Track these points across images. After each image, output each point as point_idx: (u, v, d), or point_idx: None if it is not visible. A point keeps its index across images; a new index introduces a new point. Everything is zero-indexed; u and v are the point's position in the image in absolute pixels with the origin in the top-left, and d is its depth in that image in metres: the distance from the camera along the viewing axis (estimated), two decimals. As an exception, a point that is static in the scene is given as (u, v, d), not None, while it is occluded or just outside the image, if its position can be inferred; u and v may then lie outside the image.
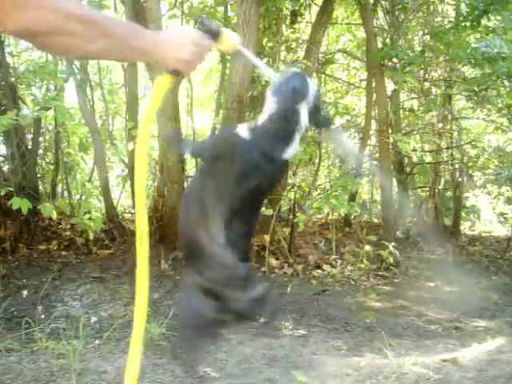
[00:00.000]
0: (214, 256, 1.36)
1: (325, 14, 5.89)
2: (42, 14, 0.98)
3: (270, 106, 1.40)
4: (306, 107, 1.39)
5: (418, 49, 6.25)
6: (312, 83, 1.44)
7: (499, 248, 6.91)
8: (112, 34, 1.10)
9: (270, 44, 6.31)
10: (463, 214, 8.24)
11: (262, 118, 1.41)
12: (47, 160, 6.21)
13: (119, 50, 1.15)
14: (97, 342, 2.96)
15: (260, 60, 1.51)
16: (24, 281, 4.10)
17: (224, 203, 1.37)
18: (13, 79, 5.08)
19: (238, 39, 1.38)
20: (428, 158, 7.96)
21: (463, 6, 5.82)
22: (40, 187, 5.61)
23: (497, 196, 8.17)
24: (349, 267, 5.18)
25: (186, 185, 5.68)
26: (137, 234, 1.36)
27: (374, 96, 6.21)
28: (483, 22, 5.14)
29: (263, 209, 5.25)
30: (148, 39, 1.18)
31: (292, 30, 6.70)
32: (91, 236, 4.76)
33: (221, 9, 6.53)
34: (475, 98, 6.30)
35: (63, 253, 4.79)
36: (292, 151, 1.39)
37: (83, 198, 5.86)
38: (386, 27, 6.83)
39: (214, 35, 1.31)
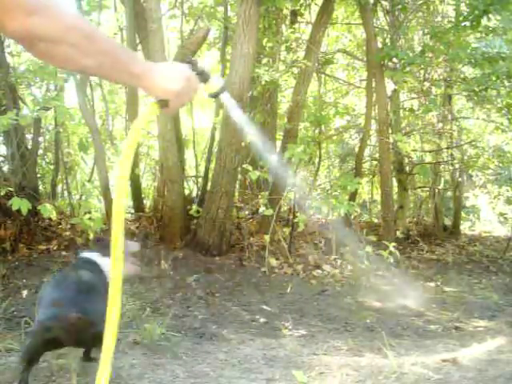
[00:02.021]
0: None
1: (325, 14, 5.90)
2: (48, 21, 1.01)
3: None
4: None
5: (418, 49, 6.25)
6: None
7: (499, 248, 6.90)
8: (109, 52, 1.13)
9: (270, 44, 6.31)
10: (463, 214, 8.24)
11: None
12: (47, 160, 6.20)
13: (114, 70, 1.16)
14: (97, 341, 2.95)
15: (238, 110, 1.55)
16: (24, 281, 4.09)
17: None
18: (13, 79, 5.07)
19: (223, 84, 1.42)
20: (428, 158, 7.96)
21: (463, 6, 5.82)
22: (40, 187, 5.59)
23: (497, 196, 8.18)
24: (349, 267, 5.18)
25: (185, 184, 5.69)
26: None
27: (374, 96, 6.21)
28: (483, 22, 5.15)
29: (263, 209, 5.26)
30: (143, 65, 1.21)
31: (292, 30, 6.70)
32: (91, 236, 4.75)
33: (221, 9, 6.53)
34: (475, 98, 6.30)
35: (63, 253, 4.78)
36: None
37: (83, 198, 5.85)
38: (386, 27, 6.84)
39: (204, 78, 1.36)
